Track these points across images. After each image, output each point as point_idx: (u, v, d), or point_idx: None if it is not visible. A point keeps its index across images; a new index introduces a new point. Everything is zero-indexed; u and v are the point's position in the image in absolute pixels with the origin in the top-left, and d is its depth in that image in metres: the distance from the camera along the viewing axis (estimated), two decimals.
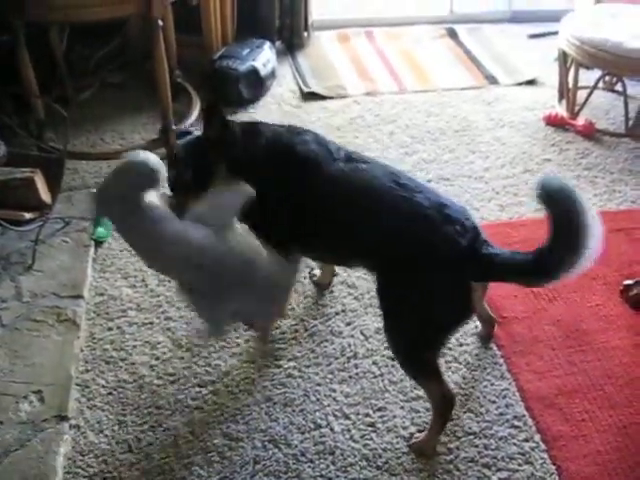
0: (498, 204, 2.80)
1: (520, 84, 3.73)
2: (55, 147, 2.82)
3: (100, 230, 2.55)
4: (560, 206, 1.56)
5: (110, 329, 2.25)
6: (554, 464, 1.86)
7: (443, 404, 1.85)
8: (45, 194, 2.51)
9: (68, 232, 2.55)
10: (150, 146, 3.01)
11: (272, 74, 3.63)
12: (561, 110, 3.41)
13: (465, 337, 2.21)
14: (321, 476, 1.84)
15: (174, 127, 2.99)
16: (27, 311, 2.24)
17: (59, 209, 2.60)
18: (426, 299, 1.72)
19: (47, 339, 2.15)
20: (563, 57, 3.32)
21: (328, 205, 1.85)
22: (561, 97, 3.49)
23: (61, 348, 2.12)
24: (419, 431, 1.93)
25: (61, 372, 2.05)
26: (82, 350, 2.15)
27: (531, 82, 3.74)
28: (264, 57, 3.55)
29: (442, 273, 1.70)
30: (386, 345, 2.13)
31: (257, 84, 3.50)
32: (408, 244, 1.72)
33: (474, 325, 2.23)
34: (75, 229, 2.57)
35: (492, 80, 3.76)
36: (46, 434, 1.89)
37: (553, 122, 3.36)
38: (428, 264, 1.70)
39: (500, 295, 2.34)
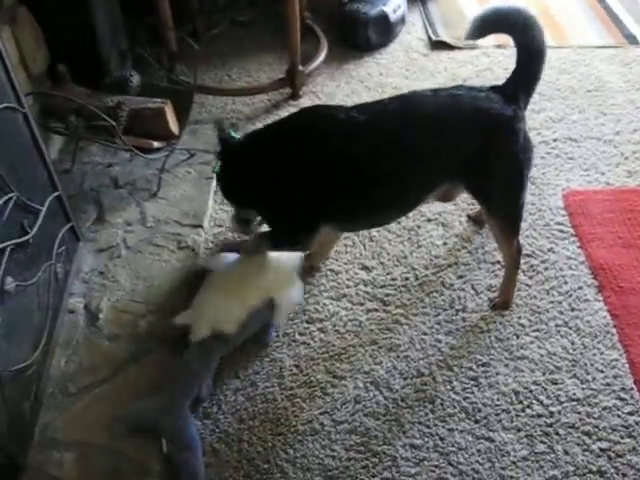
0: (626, 170, 2.68)
1: None
2: (185, 80, 2.89)
3: None
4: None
5: None
6: None
7: (518, 254, 2.11)
8: (174, 125, 2.59)
9: (192, 163, 2.64)
10: (276, 85, 3.07)
11: (401, 20, 3.57)
12: None
13: (577, 302, 2.16)
14: (419, 423, 1.86)
15: (300, 68, 3.01)
16: (150, 235, 2.34)
17: (185, 140, 2.68)
18: (516, 158, 1.97)
19: (167, 264, 2.25)
20: None
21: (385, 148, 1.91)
22: None
23: (180, 273, 2.21)
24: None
25: (178, 296, 2.14)
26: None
27: None
28: (395, 2, 3.49)
29: (516, 132, 1.94)
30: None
31: (386, 30, 3.45)
32: (484, 127, 1.92)
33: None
34: (199, 161, 2.65)
35: (632, 40, 3.56)
36: (159, 352, 1.98)
37: None
38: (506, 132, 1.94)
39: (619, 264, 2.27)
